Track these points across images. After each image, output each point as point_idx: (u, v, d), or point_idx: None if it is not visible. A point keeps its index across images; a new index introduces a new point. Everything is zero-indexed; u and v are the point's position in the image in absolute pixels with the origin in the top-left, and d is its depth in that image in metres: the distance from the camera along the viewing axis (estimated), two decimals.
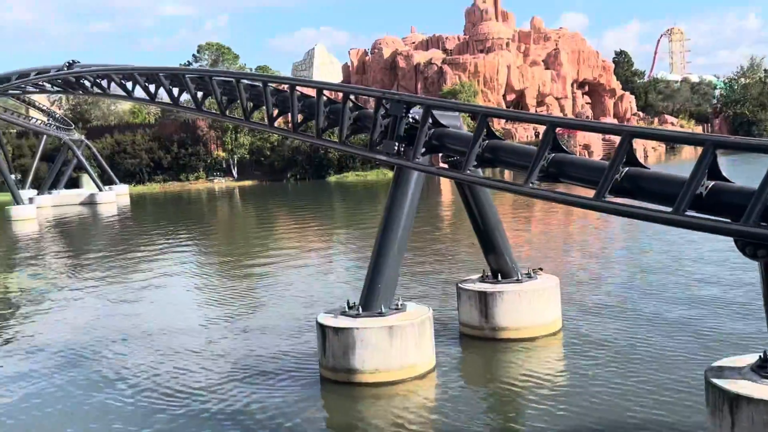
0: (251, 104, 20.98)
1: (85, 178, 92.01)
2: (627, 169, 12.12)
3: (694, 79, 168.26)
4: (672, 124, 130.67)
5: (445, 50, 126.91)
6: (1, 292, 30.83)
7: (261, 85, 20.40)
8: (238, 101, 21.00)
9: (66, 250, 46.82)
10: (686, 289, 24.13)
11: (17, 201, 71.15)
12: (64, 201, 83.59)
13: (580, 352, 18.33)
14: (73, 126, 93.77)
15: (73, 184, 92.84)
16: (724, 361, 11.86)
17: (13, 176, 78.07)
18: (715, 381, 10.93)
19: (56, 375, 18.72)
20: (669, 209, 11.33)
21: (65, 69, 29.55)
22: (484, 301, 19.37)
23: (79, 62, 29.59)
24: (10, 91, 48.43)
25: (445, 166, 17.36)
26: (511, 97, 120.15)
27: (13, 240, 54.00)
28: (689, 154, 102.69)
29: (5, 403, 16.84)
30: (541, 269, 20.98)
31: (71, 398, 16.98)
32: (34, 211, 70.90)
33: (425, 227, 43.04)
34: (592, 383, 15.91)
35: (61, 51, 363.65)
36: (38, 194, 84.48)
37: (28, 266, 38.82)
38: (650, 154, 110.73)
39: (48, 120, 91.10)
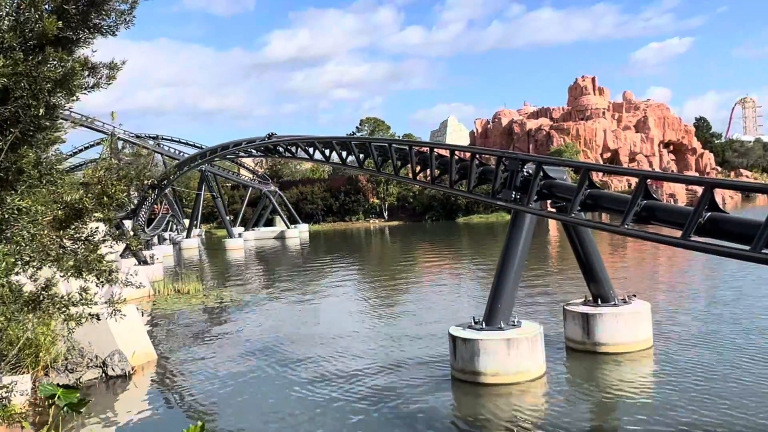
0: (399, 163, 21.34)
1: (278, 219, 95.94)
2: (709, 213, 11.36)
3: (766, 139, 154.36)
4: (746, 177, 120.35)
5: (551, 119, 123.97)
6: (218, 302, 32.62)
7: (407, 148, 20.79)
8: (390, 161, 21.44)
9: (264, 273, 49.06)
10: (763, 319, 21.99)
11: (230, 235, 75.52)
12: (262, 235, 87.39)
13: (669, 365, 17.07)
14: (270, 181, 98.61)
15: (269, 223, 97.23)
16: None
17: (228, 217, 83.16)
18: None
19: (252, 360, 19.63)
20: (747, 247, 10.49)
21: (266, 139, 30.94)
22: (587, 320, 18.53)
23: (275, 134, 30.84)
24: (228, 156, 51.87)
25: (554, 210, 16.90)
26: (607, 155, 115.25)
27: (227, 263, 57.21)
28: (762, 202, 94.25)
29: (218, 380, 17.82)
30: (634, 295, 19.82)
31: (264, 378, 17.73)
32: (242, 243, 74.50)
33: (537, 259, 41.79)
34: (678, 391, 14.76)
35: (262, 126, 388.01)
36: (245, 230, 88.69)
37: (237, 283, 40.77)
38: (728, 201, 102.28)
39: (252, 176, 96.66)
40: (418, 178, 20.91)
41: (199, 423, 4.09)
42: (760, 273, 28.42)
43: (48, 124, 7.45)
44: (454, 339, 16.53)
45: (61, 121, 8.17)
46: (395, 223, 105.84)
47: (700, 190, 11.65)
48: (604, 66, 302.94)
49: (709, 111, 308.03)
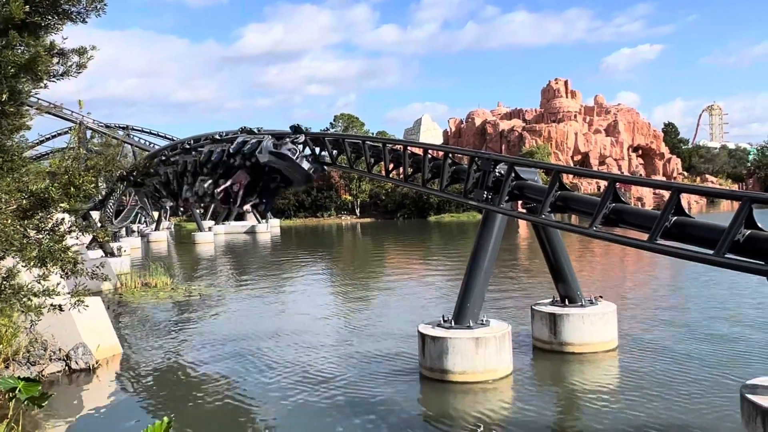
0: (373, 160, 21.30)
1: (249, 214, 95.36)
2: (675, 218, 11.59)
3: (731, 146, 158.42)
4: (712, 182, 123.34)
5: (524, 120, 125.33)
6: (186, 295, 32.22)
7: (381, 145, 20.76)
8: (363, 158, 21.40)
9: (233, 267, 48.64)
10: (722, 321, 22.55)
11: (200, 228, 74.72)
12: (233, 230, 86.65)
13: (632, 365, 17.39)
14: None
15: (240, 217, 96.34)
16: (758, 380, 11.00)
17: (198, 210, 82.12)
18: (750, 396, 10.17)
19: (219, 355, 19.43)
20: (711, 252, 10.74)
21: (238, 133, 30.49)
22: (554, 321, 18.77)
23: (248, 128, 30.41)
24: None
25: (524, 211, 17.07)
26: (577, 157, 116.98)
27: (196, 257, 56.61)
28: (726, 207, 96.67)
29: (183, 375, 17.59)
30: (601, 297, 20.14)
31: (230, 373, 17.54)
32: (212, 237, 73.78)
33: (506, 259, 42.17)
34: (640, 391, 15.04)
35: (235, 120, 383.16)
36: (215, 224, 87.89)
37: (206, 277, 40.38)
38: (693, 206, 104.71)
39: None
40: (391, 175, 20.91)
41: (165, 419, 4.02)
42: (725, 277, 29.12)
43: (12, 110, 7.25)
44: (423, 337, 16.59)
45: (26, 107, 7.96)
46: (367, 220, 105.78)
47: (667, 194, 11.87)
48: (577, 69, 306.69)
49: (677, 117, 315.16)
